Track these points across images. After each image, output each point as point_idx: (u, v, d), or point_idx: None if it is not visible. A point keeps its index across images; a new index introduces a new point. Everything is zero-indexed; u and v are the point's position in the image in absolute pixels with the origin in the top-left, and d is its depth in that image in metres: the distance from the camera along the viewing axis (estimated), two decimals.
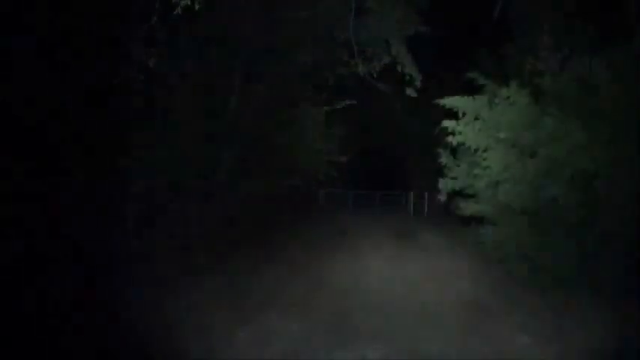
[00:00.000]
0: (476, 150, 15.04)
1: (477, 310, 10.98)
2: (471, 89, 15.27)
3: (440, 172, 16.71)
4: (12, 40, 11.73)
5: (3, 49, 10.95)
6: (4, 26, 10.89)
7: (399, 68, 17.59)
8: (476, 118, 15.01)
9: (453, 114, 15.24)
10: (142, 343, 8.83)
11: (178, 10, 7.32)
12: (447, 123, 15.06)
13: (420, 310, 10.93)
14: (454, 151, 16.32)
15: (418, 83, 17.53)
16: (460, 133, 15.01)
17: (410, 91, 17.54)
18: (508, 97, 14.43)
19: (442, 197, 16.78)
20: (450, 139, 15.24)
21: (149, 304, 10.64)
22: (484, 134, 14.86)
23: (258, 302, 11.15)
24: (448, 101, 15.21)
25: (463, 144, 15.18)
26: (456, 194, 16.44)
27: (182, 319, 9.99)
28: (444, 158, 16.37)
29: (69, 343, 8.44)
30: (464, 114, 15.08)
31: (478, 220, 15.53)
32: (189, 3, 7.19)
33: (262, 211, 18.23)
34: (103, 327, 9.14)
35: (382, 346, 8.95)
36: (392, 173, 27.07)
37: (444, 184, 16.18)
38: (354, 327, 9.88)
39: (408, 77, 17.57)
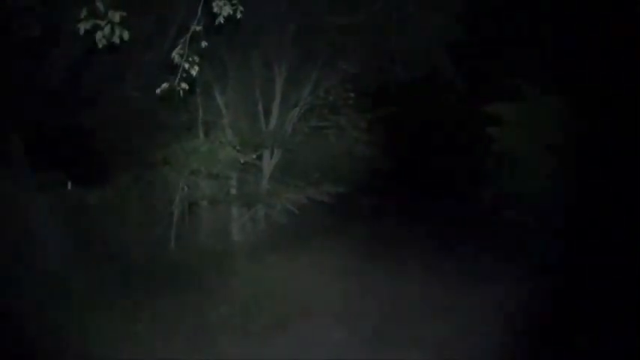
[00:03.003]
0: (519, 156, 14.90)
1: None
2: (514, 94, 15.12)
3: (480, 176, 16.55)
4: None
5: None
6: None
7: (439, 74, 17.51)
8: (520, 124, 14.86)
9: (496, 119, 15.11)
10: None
11: (220, 20, 7.35)
12: (491, 129, 14.95)
13: None
14: (498, 156, 16.16)
15: (459, 88, 17.43)
16: (504, 139, 14.89)
17: (450, 97, 17.45)
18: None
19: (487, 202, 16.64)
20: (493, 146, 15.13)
21: None
22: (527, 140, 14.72)
23: None
24: (491, 108, 15.09)
25: (508, 150, 15.04)
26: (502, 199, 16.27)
27: None
28: (489, 163, 16.22)
29: None
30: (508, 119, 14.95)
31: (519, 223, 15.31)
32: (231, 12, 7.21)
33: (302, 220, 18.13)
34: None
35: None
36: (434, 180, 26.84)
37: (488, 190, 16.03)
38: None
39: (448, 83, 17.48)
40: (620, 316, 10.32)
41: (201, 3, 7.44)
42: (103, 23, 6.65)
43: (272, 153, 18.08)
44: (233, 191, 17.41)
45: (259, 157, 17.85)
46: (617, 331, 9.68)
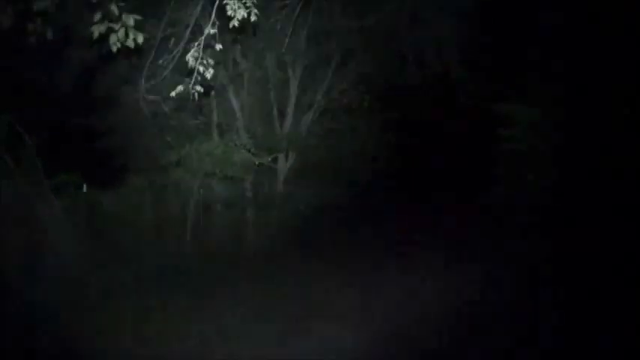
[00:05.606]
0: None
1: None
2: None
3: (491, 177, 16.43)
4: None
5: None
6: None
7: (451, 75, 17.44)
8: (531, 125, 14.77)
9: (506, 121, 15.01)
10: None
11: (234, 23, 7.31)
12: (502, 131, 14.84)
13: None
14: (508, 159, 16.05)
15: (470, 89, 17.37)
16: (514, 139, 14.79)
17: (461, 97, 17.40)
18: None
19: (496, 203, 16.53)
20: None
21: None
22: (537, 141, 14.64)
23: None
24: (501, 108, 14.97)
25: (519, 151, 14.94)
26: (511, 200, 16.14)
27: None
28: (499, 167, 16.07)
29: None
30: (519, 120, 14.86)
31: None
32: (245, 15, 7.17)
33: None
34: None
35: None
36: (445, 181, 26.71)
37: (498, 190, 15.92)
38: None
39: (459, 83, 17.42)
40: (620, 315, 10.24)
41: (216, 6, 7.42)
42: (117, 27, 6.63)
43: (287, 155, 18.07)
44: (248, 194, 17.42)
45: (274, 160, 17.86)
46: (616, 331, 9.60)
